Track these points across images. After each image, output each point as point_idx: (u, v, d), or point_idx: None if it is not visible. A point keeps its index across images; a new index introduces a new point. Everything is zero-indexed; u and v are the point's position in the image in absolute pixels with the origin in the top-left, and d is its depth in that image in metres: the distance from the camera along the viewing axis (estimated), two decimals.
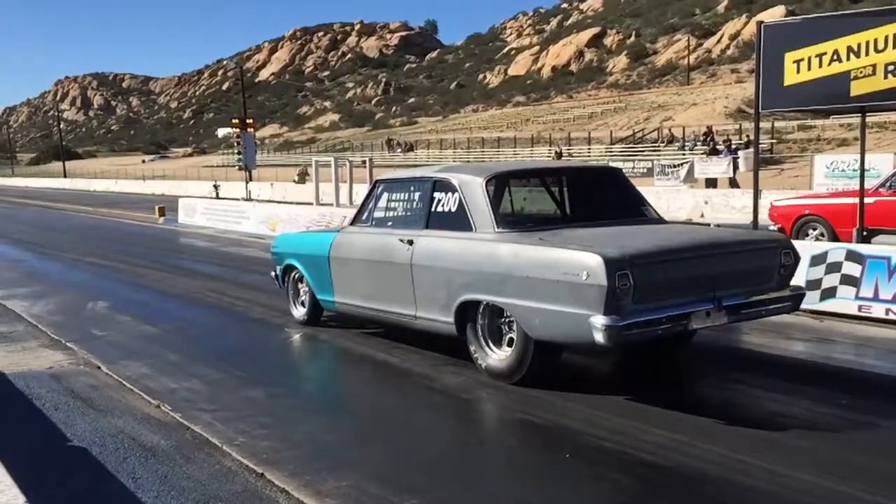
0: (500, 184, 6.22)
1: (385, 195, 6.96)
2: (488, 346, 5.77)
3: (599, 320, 4.72)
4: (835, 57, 8.51)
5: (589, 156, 44.14)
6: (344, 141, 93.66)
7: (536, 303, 5.17)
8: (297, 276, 7.94)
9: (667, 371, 6.20)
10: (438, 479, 4.12)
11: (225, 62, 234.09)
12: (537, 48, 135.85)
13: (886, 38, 8.17)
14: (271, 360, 7.01)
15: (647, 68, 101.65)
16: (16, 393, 5.79)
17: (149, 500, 3.88)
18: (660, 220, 6.44)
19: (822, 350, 6.78)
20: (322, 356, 7.26)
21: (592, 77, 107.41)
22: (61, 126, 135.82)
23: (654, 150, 39.87)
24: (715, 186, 24.86)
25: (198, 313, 9.04)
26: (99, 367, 6.50)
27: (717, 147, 29.63)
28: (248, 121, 33.11)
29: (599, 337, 4.74)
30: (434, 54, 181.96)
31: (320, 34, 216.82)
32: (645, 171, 30.61)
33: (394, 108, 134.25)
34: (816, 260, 7.74)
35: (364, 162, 27.79)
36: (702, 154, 30.32)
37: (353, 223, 7.21)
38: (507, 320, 5.62)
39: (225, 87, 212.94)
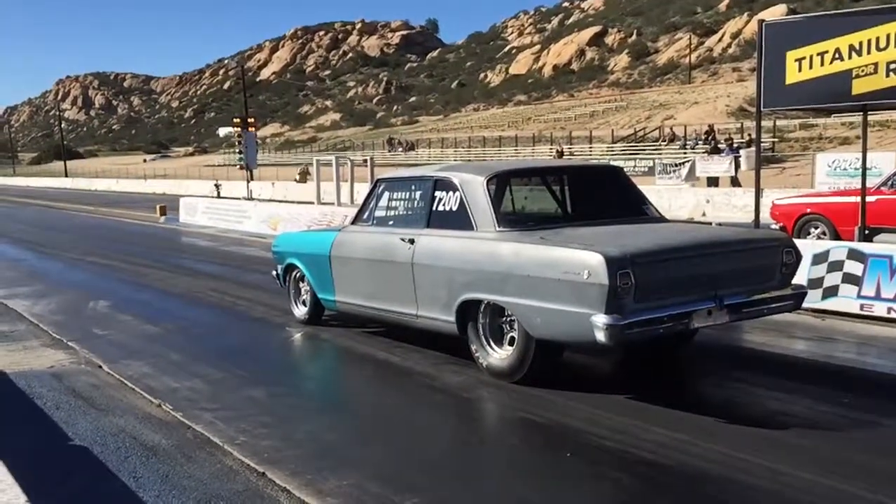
0: (501, 183, 6.21)
1: (386, 194, 6.96)
2: (489, 345, 5.76)
3: (601, 319, 4.72)
4: (836, 55, 8.50)
5: (590, 155, 44.10)
6: (345, 140, 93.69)
7: (538, 302, 5.17)
8: (298, 275, 7.94)
9: (668, 370, 6.19)
10: (440, 478, 4.12)
11: (226, 61, 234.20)
12: (538, 47, 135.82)
13: (888, 36, 8.16)
14: (273, 359, 7.02)
15: (649, 67, 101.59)
16: (17, 392, 5.79)
17: (150, 500, 3.88)
18: (661, 219, 6.44)
19: (823, 349, 6.77)
20: (323, 355, 7.26)
21: (594, 76, 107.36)
22: (62, 125, 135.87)
23: (656, 149, 39.85)
24: (716, 185, 24.84)
25: (199, 312, 9.04)
26: (100, 367, 6.50)
27: (719, 146, 29.59)
28: (249, 120, 33.08)
29: (601, 336, 4.74)
30: (435, 53, 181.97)
31: (321, 33, 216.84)
32: (646, 169, 30.58)
33: (395, 108, 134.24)
34: (818, 258, 7.73)
35: (365, 161, 27.84)
36: (703, 153, 30.30)
37: (354, 222, 7.21)
38: (508, 319, 5.61)
39: (226, 86, 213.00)
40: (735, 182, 24.90)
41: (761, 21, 9.56)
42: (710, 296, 5.09)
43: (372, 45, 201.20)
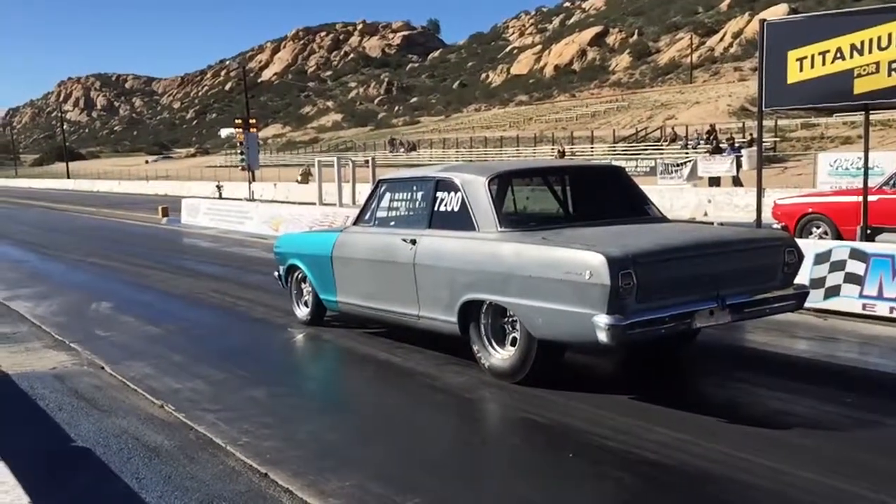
0: (502, 183, 6.22)
1: (388, 195, 6.96)
2: (491, 345, 5.76)
3: (603, 319, 4.72)
4: (838, 55, 8.49)
5: (592, 155, 44.11)
6: (347, 141, 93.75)
7: (539, 302, 5.17)
8: (300, 276, 7.94)
9: (670, 370, 6.19)
10: (442, 478, 4.12)
11: (228, 62, 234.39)
12: (540, 47, 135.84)
13: (890, 35, 8.15)
14: (274, 359, 7.02)
15: (650, 67, 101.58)
16: (20, 393, 5.80)
17: (153, 501, 3.88)
18: (663, 219, 6.43)
19: (825, 348, 6.76)
20: (325, 356, 7.26)
21: (595, 76, 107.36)
22: (64, 127, 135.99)
23: (657, 149, 39.85)
24: (718, 185, 24.82)
25: (201, 314, 9.05)
26: (102, 368, 6.50)
27: (721, 145, 29.58)
28: (250, 121, 33.18)
29: (603, 336, 4.74)
30: (436, 54, 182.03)
31: (323, 34, 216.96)
32: (648, 169, 30.59)
33: (396, 108, 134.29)
34: (820, 258, 7.72)
35: (367, 162, 27.86)
36: (705, 152, 30.28)
37: (355, 223, 7.21)
38: (510, 320, 5.61)
39: (228, 87, 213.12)
40: (737, 182, 24.88)
41: (763, 20, 9.56)
42: (712, 296, 5.08)
43: (373, 45, 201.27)
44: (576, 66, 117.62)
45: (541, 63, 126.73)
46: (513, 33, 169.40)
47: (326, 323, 7.80)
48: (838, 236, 11.12)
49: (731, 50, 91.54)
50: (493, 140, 61.81)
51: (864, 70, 8.34)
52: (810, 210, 12.28)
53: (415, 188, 6.72)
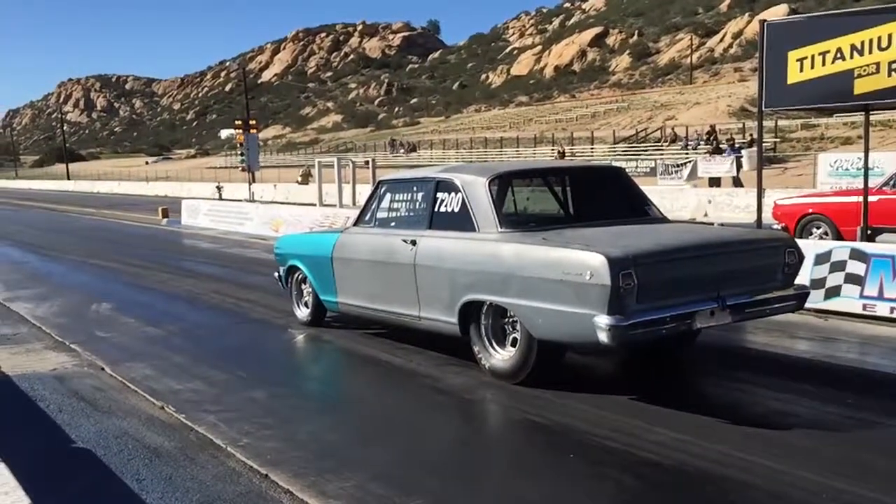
0: (503, 184, 6.22)
1: (388, 196, 6.96)
2: (492, 346, 5.76)
3: (603, 320, 4.71)
4: (838, 55, 8.49)
5: (592, 155, 44.11)
6: (347, 142, 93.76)
7: (540, 303, 5.16)
8: (300, 276, 7.94)
9: (671, 370, 6.19)
10: (442, 478, 4.12)
11: (228, 63, 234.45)
12: (540, 48, 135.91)
13: (890, 35, 8.16)
14: (275, 360, 7.02)
15: (650, 67, 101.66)
16: (20, 395, 5.80)
17: (153, 502, 3.88)
18: (663, 220, 6.43)
19: (826, 349, 6.76)
20: (325, 357, 7.26)
21: (595, 76, 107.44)
22: (64, 128, 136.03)
23: (658, 150, 39.84)
24: (718, 185, 24.81)
25: (201, 315, 9.05)
26: (103, 369, 6.50)
27: (721, 146, 29.57)
28: (250, 122, 33.19)
29: (603, 337, 4.73)
30: (436, 54, 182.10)
31: (323, 35, 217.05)
32: (648, 170, 30.58)
33: (396, 109, 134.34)
34: (821, 259, 7.72)
35: (367, 162, 27.85)
36: (705, 153, 30.27)
37: (356, 224, 7.21)
38: (510, 320, 5.61)
39: (227, 88, 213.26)
40: (737, 182, 24.88)
41: (763, 21, 9.56)
42: (713, 296, 5.08)
43: (373, 46, 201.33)
44: (576, 67, 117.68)
45: (541, 64, 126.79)
46: (513, 34, 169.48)
47: (327, 324, 7.80)
48: (838, 237, 11.12)
49: (731, 50, 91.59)
50: (494, 141, 61.81)
51: (865, 70, 8.34)
52: (810, 210, 12.28)
53: (415, 189, 6.72)
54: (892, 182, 11.47)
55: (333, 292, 7.34)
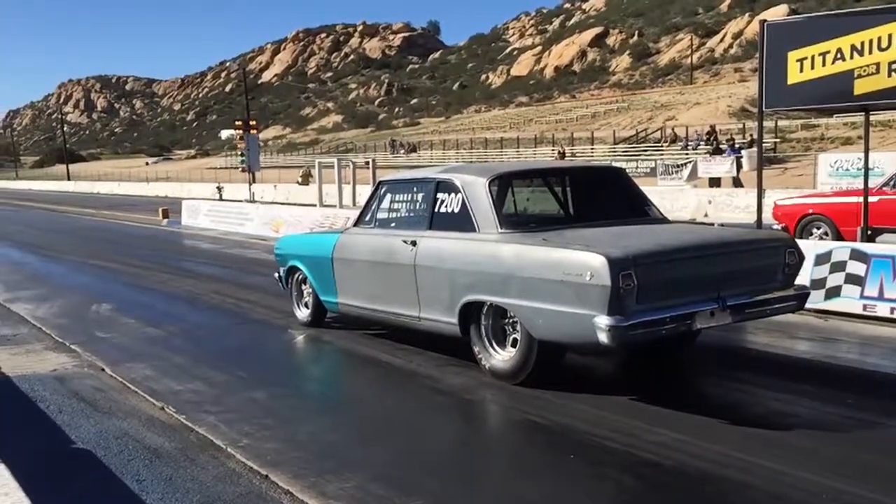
0: (503, 184, 6.22)
1: (388, 196, 6.96)
2: (492, 346, 5.76)
3: (603, 320, 4.71)
4: (838, 55, 8.50)
5: (592, 156, 44.12)
6: (347, 142, 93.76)
7: (540, 303, 5.17)
8: (300, 277, 7.94)
9: (671, 371, 6.18)
10: (442, 479, 4.12)
11: (228, 64, 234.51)
12: (540, 48, 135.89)
13: (890, 36, 8.16)
14: (275, 361, 7.02)
15: (650, 68, 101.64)
16: (20, 395, 5.80)
17: (153, 502, 3.88)
18: (663, 220, 6.43)
19: (826, 349, 6.76)
20: (326, 357, 7.26)
21: (595, 77, 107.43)
22: (65, 129, 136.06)
23: (658, 150, 39.83)
24: (718, 186, 24.82)
25: (201, 315, 9.05)
26: (103, 370, 6.50)
27: (721, 146, 29.57)
28: (251, 122, 33.17)
29: (603, 337, 4.73)
30: (437, 55, 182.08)
31: (323, 35, 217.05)
32: (648, 170, 30.59)
33: (396, 109, 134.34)
34: (821, 259, 7.72)
35: (367, 163, 27.84)
36: (705, 153, 30.28)
37: (356, 224, 7.21)
38: (510, 321, 5.61)
39: (228, 88, 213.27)
40: (737, 183, 24.88)
41: (763, 21, 9.56)
42: (713, 297, 5.08)
43: (373, 46, 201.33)
44: (576, 68, 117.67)
45: (541, 64, 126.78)
46: (513, 34, 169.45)
47: (327, 324, 7.80)
48: (839, 237, 11.12)
49: (732, 51, 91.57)
50: (494, 141, 61.81)
51: (865, 71, 8.34)
52: (811, 211, 12.28)
53: (415, 189, 6.72)
54: (892, 182, 11.47)
55: (334, 293, 7.34)
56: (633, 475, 4.00)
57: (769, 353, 6.52)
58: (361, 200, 12.88)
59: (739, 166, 25.97)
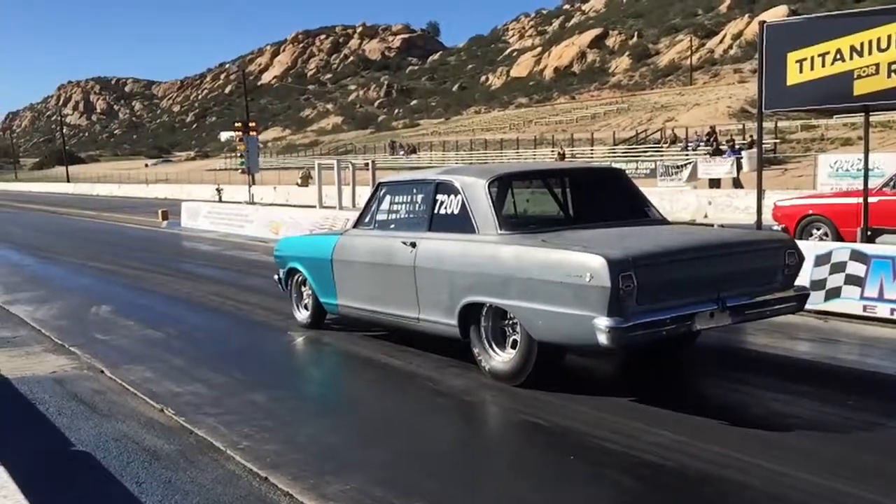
0: (502, 185, 6.21)
1: (388, 198, 6.96)
2: (492, 348, 5.76)
3: (603, 322, 4.71)
4: (838, 56, 8.50)
5: (592, 157, 44.11)
6: (346, 143, 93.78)
7: (540, 304, 5.16)
8: (300, 279, 7.94)
9: (671, 372, 6.18)
10: (442, 480, 4.12)
11: (227, 66, 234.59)
12: (539, 49, 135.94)
13: (889, 37, 8.16)
14: (275, 363, 7.01)
15: (650, 69, 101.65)
16: (19, 398, 5.79)
17: None
18: (663, 221, 6.43)
19: (826, 350, 6.76)
20: (325, 359, 7.25)
21: (595, 78, 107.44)
22: (64, 131, 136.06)
23: (658, 151, 39.83)
24: (718, 187, 24.83)
25: (201, 317, 9.04)
26: (102, 372, 6.50)
27: (721, 147, 29.59)
28: (250, 124, 33.19)
29: (603, 338, 4.73)
30: (436, 56, 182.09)
31: (322, 37, 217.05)
32: (648, 171, 30.57)
33: (396, 111, 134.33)
34: (821, 260, 7.72)
35: (367, 164, 27.83)
36: (705, 154, 30.29)
37: (355, 226, 7.21)
38: (510, 322, 5.61)
39: (227, 90, 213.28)
40: (737, 183, 24.89)
41: (762, 22, 9.57)
42: (713, 298, 5.08)
43: (373, 48, 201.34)
44: (575, 69, 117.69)
45: (540, 65, 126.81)
46: (512, 36, 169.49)
47: (327, 326, 7.80)
48: (838, 238, 11.11)
49: (731, 52, 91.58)
50: (493, 142, 61.82)
51: (864, 71, 8.34)
52: (810, 212, 12.27)
53: (415, 191, 6.72)
54: (892, 183, 11.47)
55: (333, 294, 7.34)
56: (633, 476, 4.00)
57: (769, 353, 6.51)
58: (361, 202, 12.89)
59: (739, 167, 25.98)
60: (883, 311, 7.28)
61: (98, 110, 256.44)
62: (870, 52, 8.28)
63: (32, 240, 20.49)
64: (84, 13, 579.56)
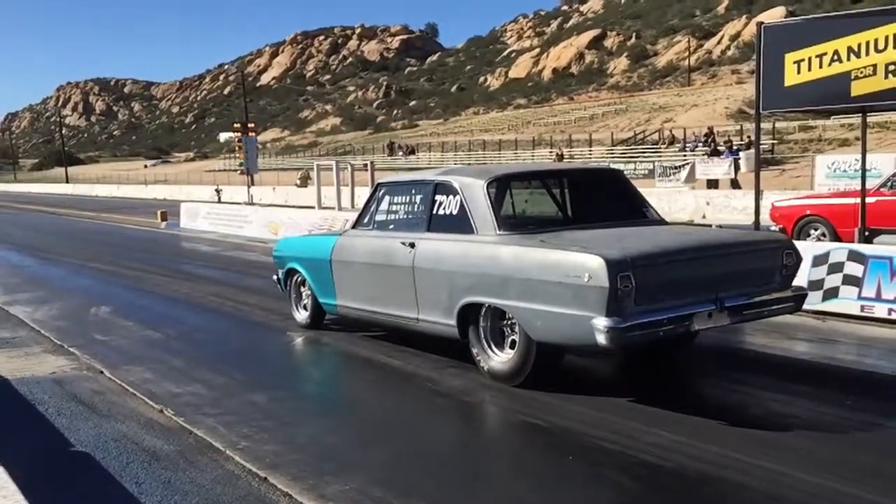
0: (501, 186, 6.23)
1: (387, 198, 6.97)
2: (490, 348, 5.77)
3: (601, 322, 4.72)
4: (835, 57, 8.52)
5: (590, 157, 44.13)
6: (345, 144, 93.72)
7: (538, 305, 5.17)
8: (299, 279, 7.95)
9: (669, 372, 6.19)
10: (441, 480, 4.13)
11: (226, 67, 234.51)
12: (538, 50, 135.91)
13: (886, 38, 8.19)
14: (274, 363, 7.02)
15: (648, 70, 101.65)
16: (19, 398, 5.80)
17: None
18: (661, 222, 6.44)
19: (824, 350, 6.77)
20: (324, 359, 7.26)
21: (593, 79, 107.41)
22: (63, 131, 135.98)
23: (656, 152, 39.85)
24: (716, 187, 24.86)
25: (200, 318, 9.05)
26: (102, 372, 6.50)
27: (719, 148, 29.63)
28: (249, 125, 33.14)
29: (601, 339, 4.74)
30: (435, 57, 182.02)
31: (321, 38, 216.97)
32: (646, 172, 30.60)
33: (395, 112, 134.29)
34: (818, 260, 7.74)
35: (365, 165, 27.85)
36: (703, 155, 30.32)
37: (354, 226, 7.22)
38: (509, 322, 5.62)
39: (226, 91, 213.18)
40: (735, 184, 24.92)
41: (760, 23, 9.60)
42: (711, 298, 5.09)
43: (372, 49, 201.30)
44: (574, 70, 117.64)
45: (539, 66, 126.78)
46: (511, 37, 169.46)
47: (326, 326, 7.81)
48: (836, 238, 11.12)
49: (729, 53, 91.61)
50: (492, 143, 61.80)
51: (862, 72, 8.37)
52: (808, 212, 12.29)
53: (413, 192, 6.73)
54: (889, 183, 11.49)
55: (332, 295, 7.34)
56: (632, 476, 4.01)
57: (767, 354, 6.52)
58: (360, 203, 12.90)
59: (737, 168, 26.01)
60: (880, 311, 7.30)
61: (97, 111, 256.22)
62: (867, 53, 8.30)
63: (32, 241, 20.49)
64: (83, 14, 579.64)
